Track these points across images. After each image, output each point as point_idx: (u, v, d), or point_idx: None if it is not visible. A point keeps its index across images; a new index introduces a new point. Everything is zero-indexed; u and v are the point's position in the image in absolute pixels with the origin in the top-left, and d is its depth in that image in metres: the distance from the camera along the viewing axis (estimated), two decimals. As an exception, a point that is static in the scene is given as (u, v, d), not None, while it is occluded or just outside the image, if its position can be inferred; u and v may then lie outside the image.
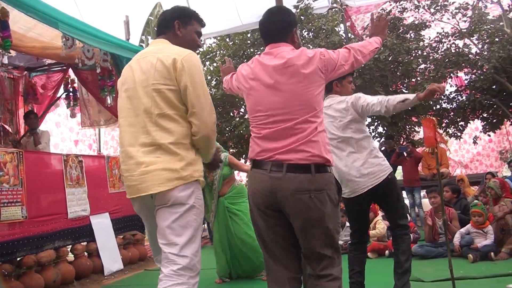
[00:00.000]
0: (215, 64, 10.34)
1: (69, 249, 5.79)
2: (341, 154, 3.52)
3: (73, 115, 7.69)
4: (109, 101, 6.80)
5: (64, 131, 10.14)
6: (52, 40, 6.05)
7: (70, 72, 7.48)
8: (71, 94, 7.58)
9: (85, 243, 5.94)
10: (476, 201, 6.25)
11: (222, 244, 5.35)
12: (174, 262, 2.34)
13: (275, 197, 2.43)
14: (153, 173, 2.37)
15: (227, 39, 10.52)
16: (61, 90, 7.73)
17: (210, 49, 10.62)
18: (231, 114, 10.24)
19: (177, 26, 2.64)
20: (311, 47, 9.00)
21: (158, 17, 2.85)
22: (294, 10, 9.05)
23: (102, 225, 6.07)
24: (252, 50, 10.11)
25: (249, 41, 10.21)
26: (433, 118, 3.11)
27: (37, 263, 5.03)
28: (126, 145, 2.50)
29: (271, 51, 2.59)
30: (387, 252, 6.04)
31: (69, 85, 7.60)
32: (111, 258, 6.01)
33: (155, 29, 2.80)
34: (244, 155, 10.76)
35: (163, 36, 2.66)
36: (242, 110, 10.34)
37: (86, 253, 5.92)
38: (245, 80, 2.64)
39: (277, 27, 2.63)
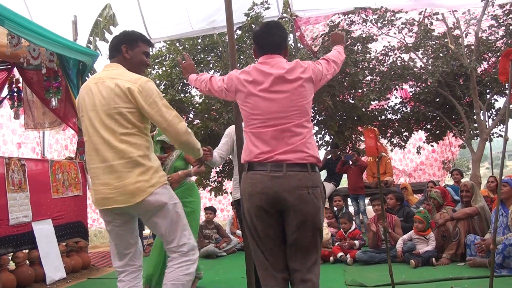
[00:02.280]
0: (164, 68, 10.24)
1: (10, 257, 5.56)
2: None
3: (17, 116, 7.41)
4: (54, 103, 6.58)
5: (6, 133, 9.75)
6: (-3, 37, 5.84)
7: (15, 71, 7.22)
8: (15, 94, 7.31)
9: (26, 251, 5.70)
10: (421, 208, 6.48)
11: (156, 245, 4.99)
12: (179, 251, 2.88)
13: (277, 195, 2.59)
14: (129, 186, 2.73)
15: (177, 44, 10.44)
16: (5, 90, 7.45)
17: (159, 53, 10.50)
18: (180, 119, 10.17)
19: (125, 49, 2.96)
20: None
21: (109, 43, 3.06)
22: (245, 18, 9.10)
23: (44, 232, 5.85)
24: (202, 56, 10.07)
25: (199, 47, 10.17)
26: (375, 128, 3.21)
27: (-24, 271, 4.82)
28: (99, 161, 2.80)
29: (267, 61, 2.79)
30: (331, 258, 6.15)
31: (14, 85, 7.33)
32: (54, 267, 5.80)
33: (108, 51, 3.04)
34: (194, 159, 10.69)
35: (115, 60, 2.98)
36: (191, 115, 10.28)
37: (27, 261, 5.69)
38: (242, 85, 2.79)
39: (275, 40, 2.85)
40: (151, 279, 4.88)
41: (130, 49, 2.97)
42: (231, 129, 4.11)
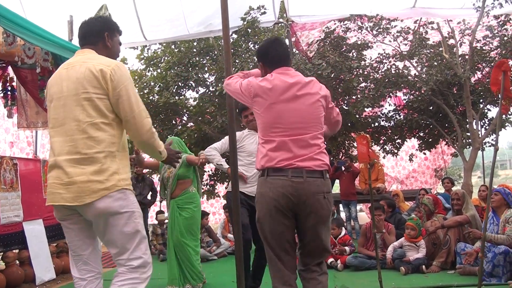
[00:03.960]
0: (159, 70, 10.24)
1: None
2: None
3: (10, 115, 7.37)
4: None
5: (-1, 132, 9.75)
6: (-8, 35, 5.81)
7: (10, 70, 7.19)
8: (9, 93, 7.27)
9: (17, 251, 5.67)
10: (412, 215, 6.51)
11: (170, 249, 5.34)
12: (127, 266, 2.54)
13: (297, 199, 2.78)
14: (79, 184, 2.45)
15: (173, 46, 10.44)
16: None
17: (155, 55, 10.50)
18: (173, 122, 10.16)
19: (107, 37, 2.75)
20: (255, 59, 9.09)
21: (82, 27, 2.79)
22: (241, 23, 9.12)
23: (35, 232, 5.82)
24: (197, 58, 10.08)
25: (195, 50, 10.18)
26: (367, 135, 3.24)
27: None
28: (56, 154, 2.54)
29: (288, 72, 2.96)
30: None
31: (8, 84, 7.29)
32: (44, 267, 5.77)
33: (80, 37, 2.79)
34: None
35: (90, 47, 2.72)
36: (184, 118, 10.28)
37: (17, 261, 5.65)
38: (265, 93, 2.89)
39: (287, 54, 3.07)
40: (174, 279, 5.22)
41: (111, 38, 2.77)
42: (237, 134, 4.32)
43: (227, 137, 4.39)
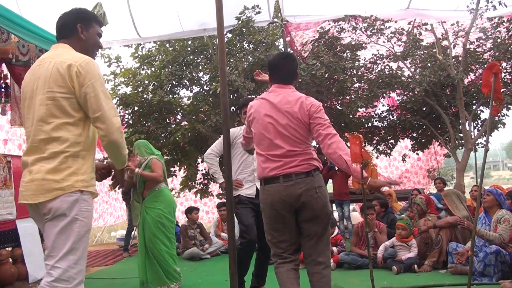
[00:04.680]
0: (153, 69, 10.23)
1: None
2: None
3: (3, 112, 7.34)
4: (41, 101, 6.55)
5: (-6, 129, 9.70)
6: (-14, 32, 5.79)
7: (4, 67, 7.16)
8: (3, 90, 7.24)
9: (10, 249, 5.65)
10: (402, 215, 6.55)
11: (140, 252, 5.27)
12: (50, 274, 2.36)
13: (292, 199, 3.18)
14: (35, 182, 2.39)
15: (167, 45, 10.43)
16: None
17: (149, 53, 10.48)
18: (167, 120, 10.15)
19: (80, 29, 2.64)
20: (250, 58, 9.11)
21: (57, 21, 2.71)
22: (235, 22, 9.13)
23: (28, 230, 5.80)
24: (192, 57, 10.07)
25: (189, 48, 10.17)
26: (360, 135, 3.26)
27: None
28: (23, 154, 2.52)
29: (285, 90, 3.36)
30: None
31: (2, 81, 7.26)
32: (37, 265, 5.73)
33: (56, 31, 2.72)
34: (178, 163, 10.67)
35: (65, 41, 2.64)
36: (178, 117, 10.28)
37: (10, 259, 5.63)
38: (256, 111, 3.36)
39: (292, 71, 3.44)
40: (143, 282, 5.09)
41: (85, 29, 2.66)
42: (231, 131, 4.48)
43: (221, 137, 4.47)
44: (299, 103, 3.26)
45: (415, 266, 5.64)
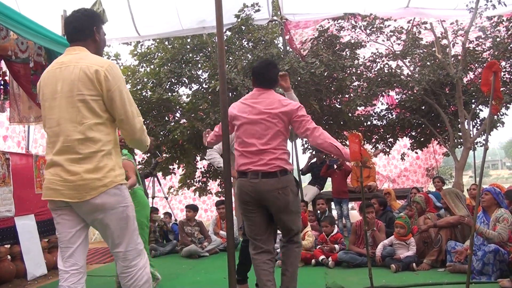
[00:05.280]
0: (152, 67, 10.22)
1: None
2: None
3: (2, 110, 7.31)
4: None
5: (-6, 125, 9.68)
6: (-16, 29, 5.77)
7: (3, 64, 7.14)
8: (2, 87, 7.22)
9: (8, 246, 5.65)
10: (401, 214, 6.55)
11: None
12: (124, 258, 2.74)
13: (256, 195, 3.50)
14: (78, 182, 2.56)
15: (166, 42, 10.43)
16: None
17: (148, 51, 10.48)
18: (166, 118, 10.15)
19: (95, 32, 2.77)
20: (249, 57, 9.10)
21: (69, 22, 2.78)
22: (235, 20, 9.12)
23: (27, 227, 5.80)
24: (191, 55, 10.07)
25: (188, 46, 10.17)
26: (359, 133, 3.27)
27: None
28: (54, 153, 2.62)
29: (264, 94, 3.65)
30: (313, 261, 6.18)
31: (0, 78, 7.24)
32: (35, 262, 5.76)
33: (69, 34, 2.78)
34: (177, 161, 10.67)
35: (80, 43, 2.74)
36: (177, 115, 10.27)
37: (9, 256, 5.64)
38: (236, 116, 3.63)
39: (274, 77, 3.77)
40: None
41: (98, 31, 2.79)
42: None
43: None
44: (281, 105, 3.55)
45: (414, 264, 5.63)
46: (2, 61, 7.00)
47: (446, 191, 6.22)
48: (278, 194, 3.47)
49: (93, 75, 2.56)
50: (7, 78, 7.17)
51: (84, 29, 2.74)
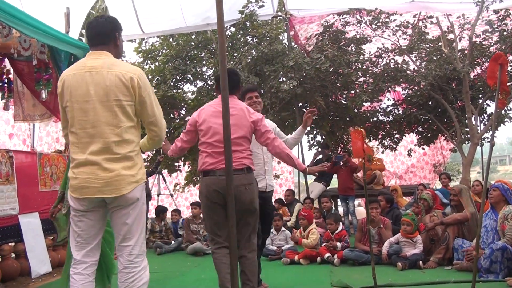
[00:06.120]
0: (156, 64, 10.20)
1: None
2: None
3: (6, 108, 7.30)
4: (43, 95, 6.47)
5: (-1, 123, 9.72)
6: (-12, 27, 5.76)
7: (6, 62, 7.13)
8: (5, 85, 7.21)
9: (12, 244, 5.64)
10: (408, 211, 6.47)
11: None
12: (130, 253, 2.87)
13: (224, 191, 3.49)
14: (116, 178, 2.77)
15: (171, 39, 10.40)
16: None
17: (152, 48, 10.45)
18: (171, 115, 10.12)
19: (117, 37, 2.98)
20: (254, 53, 9.05)
21: (92, 27, 2.97)
22: (239, 16, 9.07)
23: (31, 225, 5.78)
24: (195, 52, 10.03)
25: (193, 43, 10.14)
26: (362, 129, 3.21)
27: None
28: (88, 153, 2.79)
29: (230, 100, 3.64)
30: (318, 258, 6.13)
31: (4, 76, 7.24)
32: (40, 260, 5.73)
33: (92, 38, 2.95)
34: (183, 158, 10.64)
35: (104, 47, 2.92)
36: (182, 111, 10.24)
37: (13, 254, 5.64)
38: (205, 120, 3.82)
39: (235, 84, 3.95)
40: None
41: (119, 37, 3.00)
42: None
43: None
44: (248, 112, 3.83)
45: (420, 262, 5.56)
46: (6, 59, 7.00)
47: (462, 188, 6.11)
48: (245, 190, 3.69)
49: (128, 81, 2.78)
50: (11, 76, 7.16)
51: (108, 34, 2.94)
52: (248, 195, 3.72)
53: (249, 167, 3.80)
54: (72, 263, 2.94)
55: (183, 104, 10.05)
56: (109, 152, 2.77)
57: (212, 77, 9.74)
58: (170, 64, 9.65)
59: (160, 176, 10.55)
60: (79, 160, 2.81)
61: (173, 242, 8.05)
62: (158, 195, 10.77)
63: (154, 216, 8.99)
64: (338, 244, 6.18)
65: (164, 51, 10.28)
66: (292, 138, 4.84)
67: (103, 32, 2.93)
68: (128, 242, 2.88)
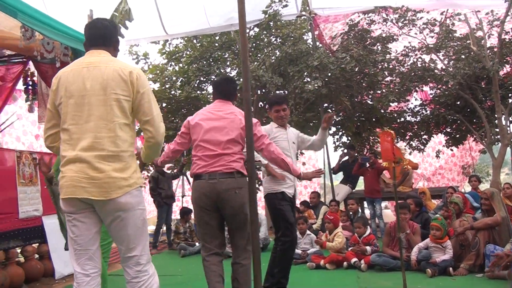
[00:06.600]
0: (180, 65, 10.20)
1: (18, 251, 5.57)
2: None
3: (31, 110, 7.38)
4: (67, 97, 6.54)
5: (26, 124, 9.91)
6: (11, 30, 5.75)
7: (30, 64, 7.19)
8: (30, 87, 7.28)
9: (36, 245, 5.70)
10: (437, 215, 6.27)
11: None
12: (138, 263, 2.73)
13: (213, 195, 3.64)
14: (105, 179, 2.58)
15: (194, 41, 10.39)
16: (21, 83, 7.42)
17: (176, 49, 10.46)
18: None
19: (118, 42, 2.96)
20: (278, 53, 8.96)
21: (97, 28, 2.90)
22: (262, 16, 9.00)
23: (54, 226, 5.80)
24: (219, 53, 10.00)
25: (216, 44, 10.11)
26: (391, 131, 3.07)
27: (-17, 265, 4.81)
28: (78, 149, 2.61)
29: (223, 105, 3.92)
30: (345, 263, 5.98)
31: (29, 78, 7.30)
32: (63, 261, 5.75)
33: (94, 38, 2.87)
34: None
35: (104, 48, 2.84)
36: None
37: (37, 256, 5.68)
38: (199, 124, 3.83)
39: (232, 91, 4.09)
40: None
41: (118, 42, 2.98)
42: (265, 128, 4.56)
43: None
44: (237, 116, 3.78)
45: (450, 269, 5.36)
46: (30, 62, 7.06)
47: (494, 191, 5.88)
48: (235, 194, 3.64)
49: (127, 76, 2.66)
50: (35, 78, 7.23)
51: (111, 37, 2.89)
52: (238, 199, 3.67)
53: (238, 171, 3.73)
54: (74, 279, 2.73)
55: (207, 105, 10.02)
56: (99, 148, 2.59)
57: (236, 78, 9.69)
58: (194, 65, 9.64)
59: (185, 178, 10.54)
60: (68, 157, 2.63)
61: (197, 244, 7.97)
62: (183, 196, 10.76)
63: (178, 217, 8.98)
64: (368, 248, 6.02)
65: (187, 52, 10.27)
66: (317, 140, 4.77)
67: (107, 35, 2.87)
68: (133, 252, 2.73)
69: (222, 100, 3.98)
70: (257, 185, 9.57)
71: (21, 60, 7.24)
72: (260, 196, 11.84)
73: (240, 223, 3.74)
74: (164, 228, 8.70)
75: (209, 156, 3.70)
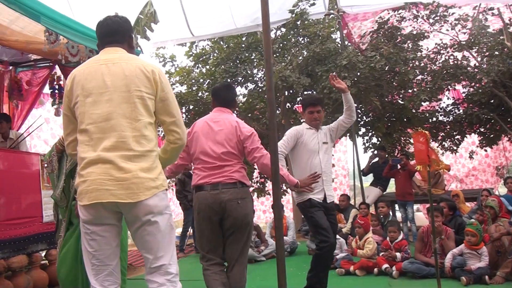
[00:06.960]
0: (207, 67, 10.18)
1: (43, 255, 5.55)
2: None
3: (57, 113, 7.40)
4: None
5: (54, 127, 10.02)
6: (36, 34, 5.78)
7: (57, 69, 7.23)
8: (56, 91, 7.32)
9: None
10: (472, 220, 6.01)
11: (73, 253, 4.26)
12: (167, 272, 2.53)
13: (216, 206, 3.58)
14: (132, 180, 2.40)
15: (221, 42, 10.35)
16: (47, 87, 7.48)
17: (203, 51, 10.44)
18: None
19: (132, 38, 2.80)
20: (305, 53, 8.83)
21: (108, 24, 2.75)
22: (289, 15, 8.89)
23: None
24: (246, 54, 9.93)
25: (243, 45, 10.05)
26: (425, 131, 2.87)
27: (7, 269, 4.79)
28: (100, 149, 2.44)
29: (221, 115, 3.86)
30: (376, 270, 5.77)
31: (55, 82, 7.34)
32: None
33: (107, 35, 2.74)
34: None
35: (119, 45, 2.70)
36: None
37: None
38: (198, 135, 3.78)
39: (232, 99, 4.05)
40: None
41: (132, 38, 2.81)
42: (293, 130, 4.52)
43: (287, 133, 4.52)
44: (235, 127, 3.72)
45: (486, 277, 5.09)
46: (57, 66, 7.09)
47: None
48: (237, 204, 3.58)
49: (150, 74, 2.53)
50: (61, 82, 7.25)
51: (125, 33, 2.75)
52: (240, 210, 3.61)
53: (240, 181, 3.68)
54: None
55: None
56: (125, 148, 2.42)
57: (263, 79, 9.59)
58: (221, 67, 9.61)
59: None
60: (89, 158, 2.45)
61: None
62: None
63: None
64: (398, 254, 5.79)
65: (214, 54, 10.24)
66: (344, 111, 4.51)
67: (119, 30, 2.71)
68: (162, 261, 2.52)
69: (221, 109, 3.92)
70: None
71: (47, 64, 7.30)
72: (263, 200, 11.89)
73: (239, 234, 3.68)
74: (191, 231, 8.66)
75: (209, 168, 3.68)
